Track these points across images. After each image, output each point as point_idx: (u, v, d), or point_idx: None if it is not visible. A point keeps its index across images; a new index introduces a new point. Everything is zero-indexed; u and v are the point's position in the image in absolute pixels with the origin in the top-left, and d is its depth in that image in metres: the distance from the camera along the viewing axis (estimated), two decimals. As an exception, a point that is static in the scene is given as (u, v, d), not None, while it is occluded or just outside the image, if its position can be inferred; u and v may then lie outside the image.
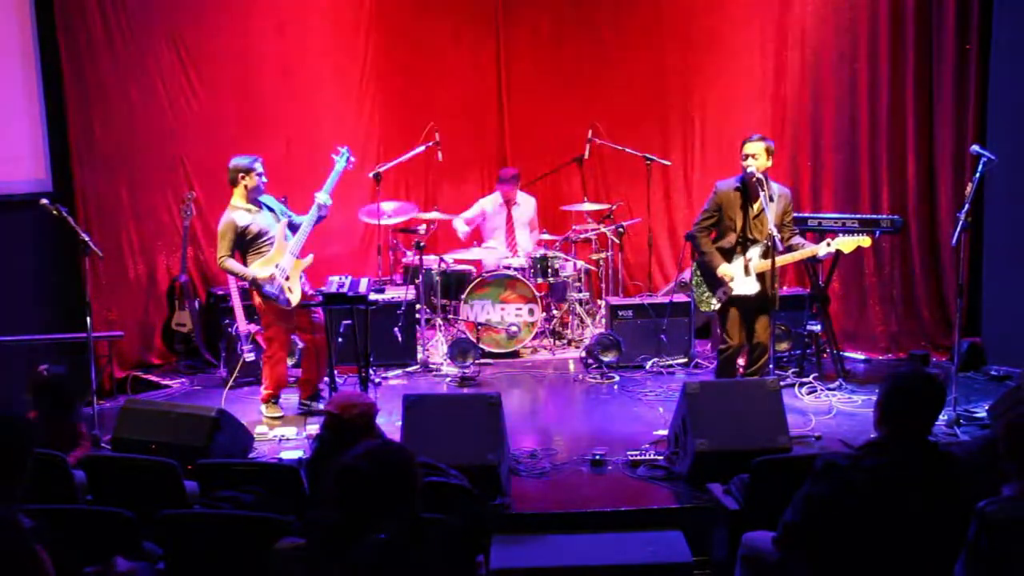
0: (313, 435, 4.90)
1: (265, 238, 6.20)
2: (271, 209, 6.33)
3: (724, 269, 6.03)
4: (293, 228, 6.33)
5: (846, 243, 5.99)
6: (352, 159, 6.61)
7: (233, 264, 6.18)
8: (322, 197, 6.33)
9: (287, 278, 6.16)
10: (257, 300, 6.27)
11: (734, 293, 6.03)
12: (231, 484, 3.96)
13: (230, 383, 6.84)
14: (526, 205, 8.53)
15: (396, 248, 8.59)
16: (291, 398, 6.68)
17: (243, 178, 6.17)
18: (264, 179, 6.25)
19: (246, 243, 6.20)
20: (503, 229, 8.44)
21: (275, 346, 6.36)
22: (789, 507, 3.30)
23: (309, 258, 6.32)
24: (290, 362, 6.76)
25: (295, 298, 6.17)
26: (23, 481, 2.94)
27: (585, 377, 7.36)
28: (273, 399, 6.41)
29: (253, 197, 6.23)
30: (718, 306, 6.13)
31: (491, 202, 8.50)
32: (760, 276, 5.98)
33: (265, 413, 6.36)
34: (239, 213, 6.18)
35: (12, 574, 2.67)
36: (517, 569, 4.51)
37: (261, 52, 8.27)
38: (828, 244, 5.97)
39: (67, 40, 7.04)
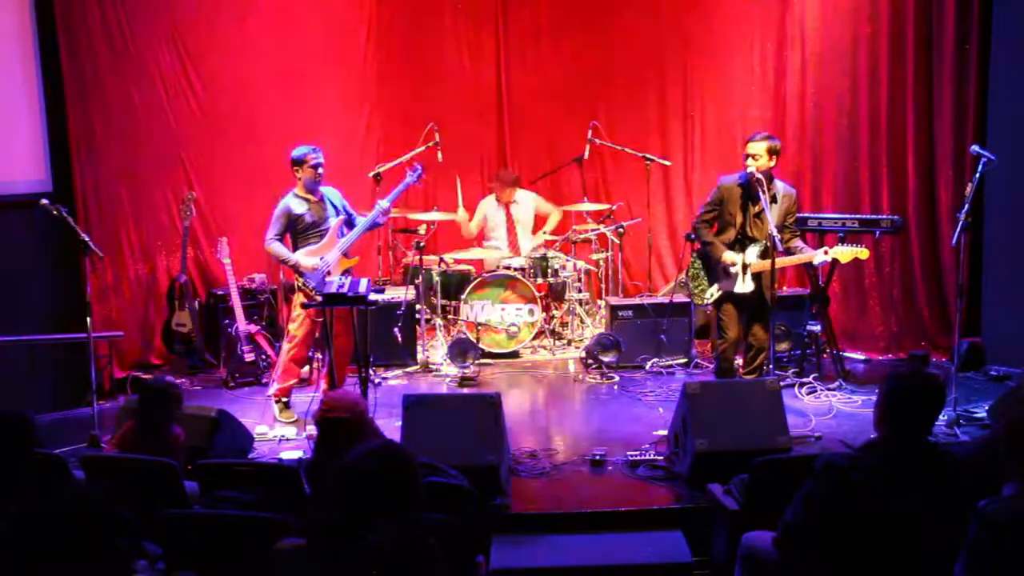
0: (313, 435, 4.91)
1: (317, 229, 6.29)
2: (332, 203, 6.40)
3: (729, 256, 6.02)
4: (350, 226, 6.42)
5: (843, 253, 5.99)
6: (423, 176, 6.88)
7: (278, 247, 6.26)
8: (383, 203, 6.45)
9: (328, 273, 6.21)
10: (298, 283, 6.28)
11: (728, 290, 6.04)
12: (231, 484, 3.96)
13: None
14: (526, 203, 8.52)
15: (396, 248, 8.59)
16: (297, 397, 6.67)
17: (296, 170, 6.31)
18: (320, 171, 6.32)
19: (297, 231, 6.30)
20: (504, 229, 8.43)
21: (296, 336, 6.36)
22: (789, 507, 3.30)
23: (355, 259, 6.43)
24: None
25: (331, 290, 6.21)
26: (25, 477, 2.94)
27: (585, 377, 7.36)
28: (283, 400, 6.41)
29: (311, 187, 6.32)
30: (713, 299, 6.14)
31: (490, 202, 8.50)
32: (756, 276, 5.98)
33: (277, 416, 6.36)
34: (295, 200, 6.30)
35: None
36: (517, 569, 4.51)
37: (261, 52, 8.27)
38: (825, 253, 5.97)
39: (67, 40, 7.04)
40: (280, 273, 7.29)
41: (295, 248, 6.31)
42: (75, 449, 5.76)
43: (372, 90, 8.97)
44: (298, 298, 6.32)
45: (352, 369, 6.37)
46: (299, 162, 6.30)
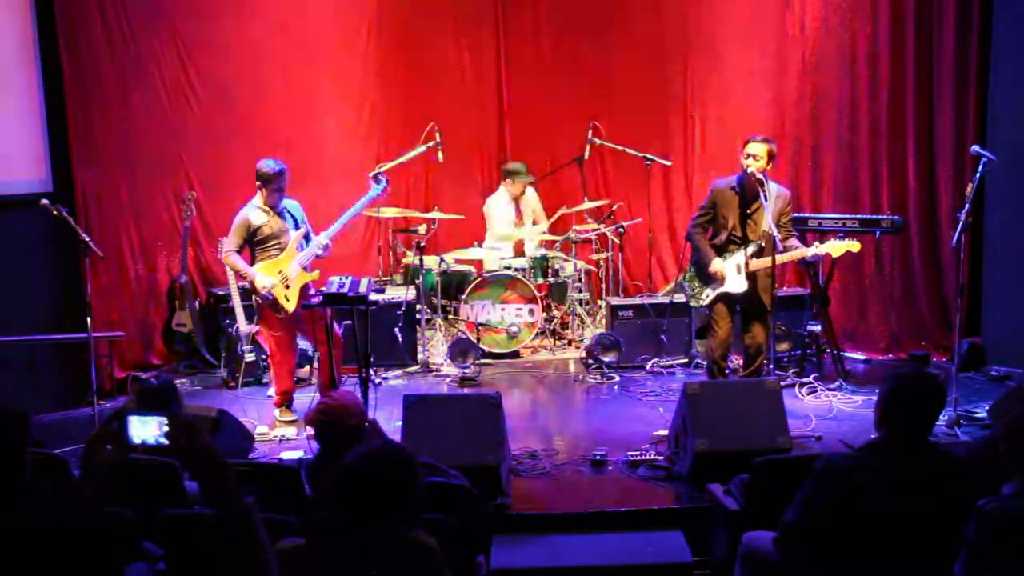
0: (313, 435, 4.91)
1: (277, 242, 6.17)
2: (293, 216, 6.31)
3: (717, 265, 6.05)
4: (308, 239, 6.33)
5: (835, 247, 5.99)
6: (388, 189, 6.75)
7: (237, 260, 6.19)
8: (323, 239, 6.29)
9: (287, 287, 6.14)
10: (256, 297, 6.24)
11: (722, 290, 6.06)
12: (231, 484, 3.95)
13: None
14: (531, 196, 8.55)
15: (396, 248, 8.59)
16: (297, 397, 6.66)
17: (260, 187, 6.18)
18: (283, 194, 6.21)
19: (256, 243, 6.19)
20: (511, 225, 8.42)
21: (272, 348, 6.36)
22: (789, 507, 3.30)
23: (315, 273, 6.30)
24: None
25: (290, 306, 6.13)
26: (23, 474, 2.93)
27: (585, 377, 7.36)
28: (285, 403, 6.38)
29: (272, 203, 6.20)
30: (708, 301, 6.16)
31: (498, 200, 8.49)
32: (751, 275, 6.00)
33: (278, 417, 6.33)
34: (256, 212, 6.18)
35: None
36: (517, 569, 4.51)
37: (262, 52, 8.27)
38: (816, 246, 5.98)
39: (67, 40, 7.04)
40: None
41: (253, 259, 6.21)
42: (75, 449, 5.75)
43: (372, 90, 8.98)
44: (264, 313, 6.24)
45: (353, 369, 6.36)
46: (265, 181, 6.13)
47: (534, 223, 8.50)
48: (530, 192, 8.55)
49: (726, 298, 6.10)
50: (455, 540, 3.14)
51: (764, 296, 5.98)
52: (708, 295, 6.15)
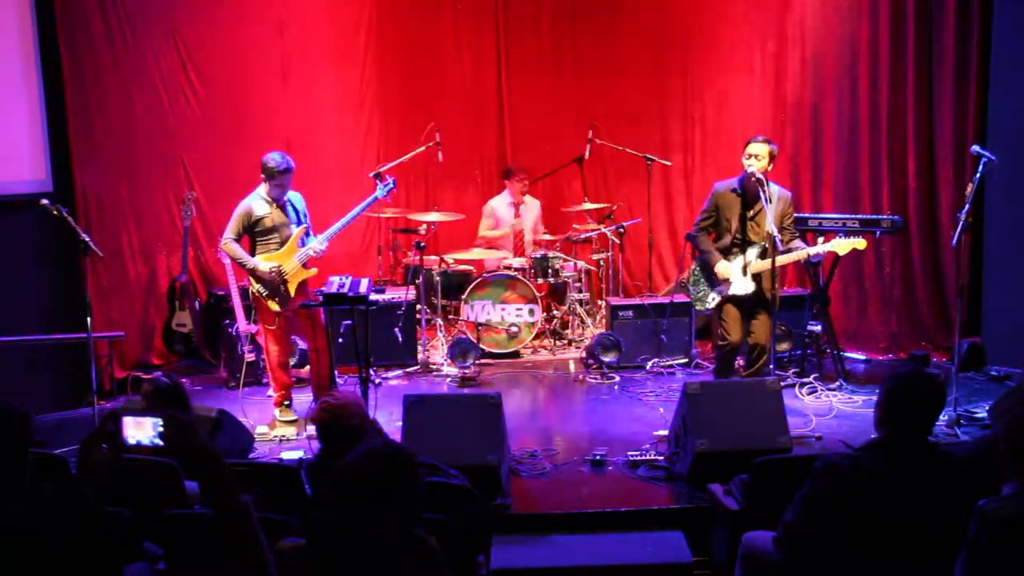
0: (313, 435, 4.91)
1: (277, 235, 6.17)
2: (295, 208, 6.30)
3: (721, 267, 6.04)
4: (307, 235, 6.33)
5: (841, 245, 5.97)
6: (393, 191, 6.68)
7: (235, 248, 6.15)
8: (319, 245, 6.27)
9: (285, 282, 6.15)
10: (253, 289, 6.21)
11: (729, 293, 6.04)
12: (231, 484, 3.95)
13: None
14: (532, 207, 8.54)
15: (396, 248, 8.59)
16: (297, 397, 6.67)
17: (264, 179, 6.16)
18: (285, 190, 6.20)
19: (257, 234, 6.17)
20: (510, 229, 8.42)
21: (269, 344, 6.37)
22: (789, 507, 3.30)
23: (313, 270, 6.30)
24: (291, 361, 6.78)
25: (286, 301, 6.14)
26: (23, 474, 2.93)
27: (585, 377, 7.36)
28: (284, 403, 6.37)
29: (275, 196, 6.18)
30: (713, 304, 6.14)
31: (501, 201, 8.49)
32: (756, 277, 5.99)
33: (278, 417, 6.32)
34: (258, 202, 6.15)
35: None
36: (517, 569, 4.51)
37: (261, 52, 8.28)
38: (821, 244, 5.97)
39: (67, 40, 7.04)
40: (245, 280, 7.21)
41: (253, 251, 6.20)
42: (75, 449, 5.74)
43: (372, 90, 8.97)
44: (261, 307, 6.23)
45: (353, 369, 6.36)
46: (269, 176, 6.11)
47: (533, 233, 8.50)
48: (533, 204, 8.54)
49: (735, 300, 6.08)
50: (455, 540, 3.14)
51: (770, 296, 5.95)
52: (714, 298, 6.13)
